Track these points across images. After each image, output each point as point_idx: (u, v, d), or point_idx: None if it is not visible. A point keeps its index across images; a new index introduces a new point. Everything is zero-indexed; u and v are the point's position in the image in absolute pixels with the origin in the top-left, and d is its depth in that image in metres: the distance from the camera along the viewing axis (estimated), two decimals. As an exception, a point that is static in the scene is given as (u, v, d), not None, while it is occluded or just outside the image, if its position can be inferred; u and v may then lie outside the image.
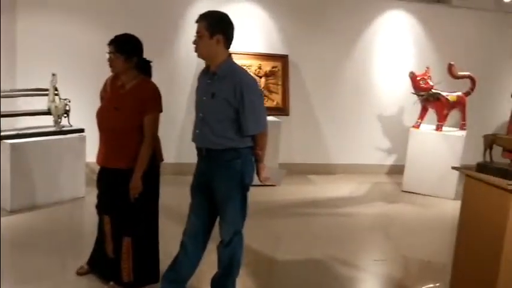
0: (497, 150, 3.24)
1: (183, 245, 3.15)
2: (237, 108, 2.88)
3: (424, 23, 7.26)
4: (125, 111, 3.16)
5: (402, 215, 5.68)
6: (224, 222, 3.06)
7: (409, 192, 6.37)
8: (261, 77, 6.40)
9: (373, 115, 7.25)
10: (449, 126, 6.64)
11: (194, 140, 3.07)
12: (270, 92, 6.45)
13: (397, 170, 6.99)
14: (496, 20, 7.40)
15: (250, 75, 3.10)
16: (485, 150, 3.15)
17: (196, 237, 3.12)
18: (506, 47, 7.54)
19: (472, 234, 3.16)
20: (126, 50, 3.16)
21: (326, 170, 7.03)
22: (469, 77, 6.48)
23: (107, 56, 3.20)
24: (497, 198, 2.92)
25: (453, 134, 6.33)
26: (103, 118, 3.26)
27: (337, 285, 3.80)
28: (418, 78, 6.27)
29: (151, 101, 3.20)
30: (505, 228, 2.86)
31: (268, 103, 6.35)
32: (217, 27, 2.87)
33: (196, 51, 2.93)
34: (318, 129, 7.08)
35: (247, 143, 2.98)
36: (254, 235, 4.36)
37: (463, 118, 6.55)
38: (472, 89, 6.48)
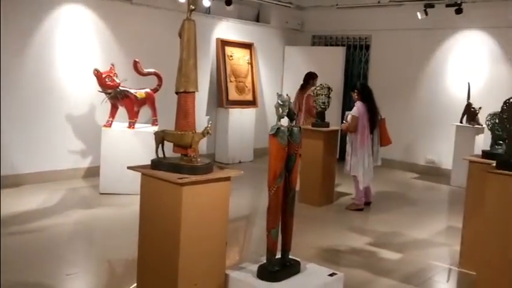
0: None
1: None
2: None
3: (106, 19, 7.11)
4: None
5: (102, 218, 5.49)
6: None
7: (107, 193, 6.18)
8: None
9: (61, 116, 6.73)
10: (144, 122, 6.71)
11: None
12: None
13: (94, 172, 6.71)
14: (175, 18, 7.81)
15: None
16: (157, 146, 3.15)
17: None
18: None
19: (152, 229, 3.16)
20: None
21: (9, 182, 6.14)
22: (155, 73, 6.65)
23: None
24: (171, 192, 2.99)
25: (145, 130, 6.40)
26: None
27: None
28: (103, 76, 6.12)
29: None
30: (180, 219, 2.94)
31: None
32: None
33: None
34: (-6, 136, 6.10)
35: None
36: None
37: (154, 114, 6.72)
38: (160, 85, 6.67)
